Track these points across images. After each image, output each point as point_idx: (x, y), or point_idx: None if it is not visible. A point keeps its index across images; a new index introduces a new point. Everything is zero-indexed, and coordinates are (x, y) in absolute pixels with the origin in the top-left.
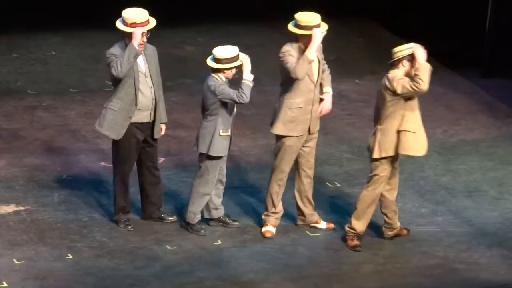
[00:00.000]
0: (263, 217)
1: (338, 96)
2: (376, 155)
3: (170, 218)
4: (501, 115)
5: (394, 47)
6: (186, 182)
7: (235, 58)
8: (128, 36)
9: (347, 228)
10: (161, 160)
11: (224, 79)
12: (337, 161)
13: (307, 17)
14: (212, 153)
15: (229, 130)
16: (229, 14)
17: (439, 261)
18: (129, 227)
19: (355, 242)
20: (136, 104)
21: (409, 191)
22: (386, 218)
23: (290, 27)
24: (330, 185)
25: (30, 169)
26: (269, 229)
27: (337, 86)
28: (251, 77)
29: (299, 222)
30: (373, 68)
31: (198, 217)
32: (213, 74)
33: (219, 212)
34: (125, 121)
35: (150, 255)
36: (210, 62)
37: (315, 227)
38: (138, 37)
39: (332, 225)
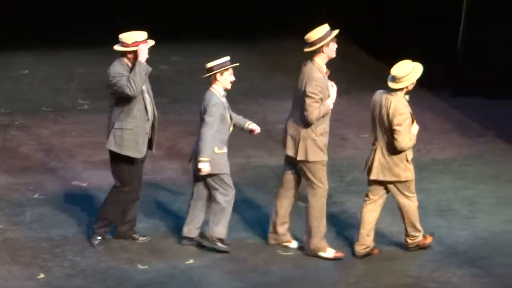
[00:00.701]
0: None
1: None
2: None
3: (141, 238)
4: (472, 134)
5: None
6: (158, 201)
7: (225, 64)
8: (129, 56)
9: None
10: None
11: (221, 91)
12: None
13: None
14: (213, 171)
15: (225, 148)
16: (203, 34)
17: (411, 280)
18: (102, 246)
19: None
20: (148, 120)
21: (381, 210)
22: (361, 236)
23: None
24: (300, 204)
25: (2, 188)
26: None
27: None
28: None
29: (272, 241)
30: (348, 88)
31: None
32: (211, 88)
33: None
34: (144, 137)
35: (121, 275)
36: (205, 76)
37: (287, 246)
38: (145, 52)
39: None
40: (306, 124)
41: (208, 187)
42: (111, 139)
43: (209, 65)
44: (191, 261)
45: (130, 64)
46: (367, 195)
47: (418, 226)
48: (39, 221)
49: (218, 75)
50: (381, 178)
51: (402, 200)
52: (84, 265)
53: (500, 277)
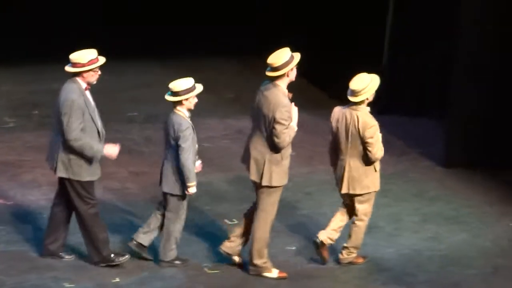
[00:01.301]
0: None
1: (238, 133)
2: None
3: (68, 256)
4: (396, 152)
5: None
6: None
7: (192, 89)
8: (84, 75)
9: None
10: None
11: (186, 112)
12: (235, 198)
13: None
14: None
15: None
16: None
17: None
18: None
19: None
20: (100, 138)
21: (308, 228)
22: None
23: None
24: (228, 222)
25: None
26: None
27: (236, 123)
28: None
29: (224, 248)
30: None
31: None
32: (176, 112)
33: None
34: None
35: None
36: (168, 97)
37: (232, 259)
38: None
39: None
40: (277, 150)
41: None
42: (62, 166)
43: (176, 88)
44: (117, 279)
45: (84, 84)
46: (342, 203)
47: (360, 244)
48: None
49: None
50: (351, 192)
51: (360, 213)
52: (10, 283)
53: None
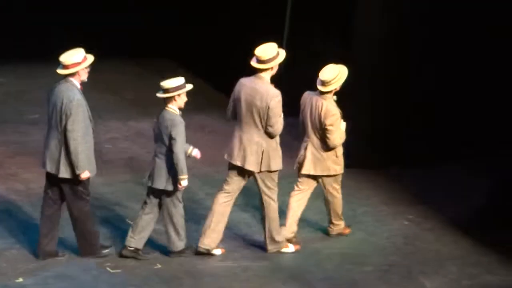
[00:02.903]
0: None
1: (138, 135)
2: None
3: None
4: (295, 154)
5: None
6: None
7: (182, 86)
8: (78, 74)
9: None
10: None
11: (177, 110)
12: (136, 199)
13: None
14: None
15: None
16: (30, 54)
17: None
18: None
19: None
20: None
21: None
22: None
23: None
24: (130, 221)
25: None
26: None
27: (136, 125)
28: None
29: (203, 246)
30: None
31: None
32: (168, 109)
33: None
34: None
35: None
36: (159, 94)
37: (213, 253)
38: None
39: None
40: (272, 137)
41: (160, 203)
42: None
43: (166, 86)
44: (20, 279)
45: (78, 83)
46: (297, 186)
47: (341, 215)
48: None
49: (176, 96)
50: (312, 172)
51: (330, 191)
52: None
53: None
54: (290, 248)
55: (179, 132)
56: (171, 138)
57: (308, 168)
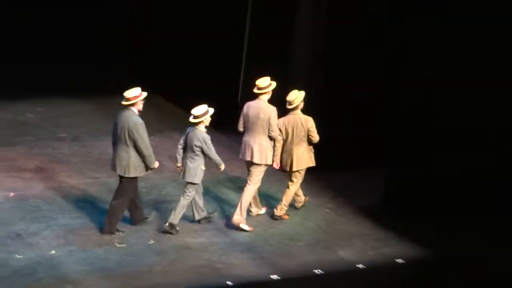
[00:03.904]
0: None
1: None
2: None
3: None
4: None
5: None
6: (31, 210)
7: (207, 112)
8: (137, 104)
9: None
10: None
11: (203, 129)
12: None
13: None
14: (195, 180)
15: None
16: (59, 90)
17: (205, 263)
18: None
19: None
20: None
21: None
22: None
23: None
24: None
25: None
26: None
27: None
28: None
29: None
30: (159, 128)
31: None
32: (197, 127)
33: (204, 213)
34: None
35: (1, 262)
36: (192, 120)
37: (244, 228)
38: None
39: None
40: (271, 138)
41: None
42: (131, 168)
43: (197, 113)
44: (53, 252)
45: (136, 111)
46: (291, 180)
47: (288, 203)
48: None
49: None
50: (299, 168)
51: (294, 180)
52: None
53: (267, 260)
54: (246, 227)
55: (211, 146)
56: (202, 149)
57: (296, 165)
